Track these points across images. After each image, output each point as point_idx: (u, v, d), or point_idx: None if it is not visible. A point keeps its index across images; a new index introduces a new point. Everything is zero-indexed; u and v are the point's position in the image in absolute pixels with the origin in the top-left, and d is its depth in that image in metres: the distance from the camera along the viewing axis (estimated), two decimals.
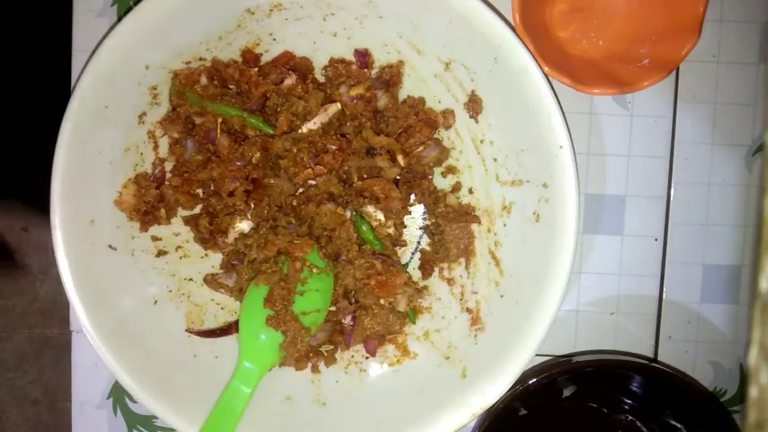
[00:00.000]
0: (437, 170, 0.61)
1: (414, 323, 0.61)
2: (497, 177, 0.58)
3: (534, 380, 0.56)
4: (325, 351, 0.61)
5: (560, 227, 0.54)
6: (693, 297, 0.62)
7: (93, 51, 0.54)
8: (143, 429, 0.64)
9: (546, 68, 0.54)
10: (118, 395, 0.63)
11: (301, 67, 0.59)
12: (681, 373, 0.60)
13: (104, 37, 0.54)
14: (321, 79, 0.60)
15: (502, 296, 0.58)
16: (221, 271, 0.61)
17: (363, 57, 0.59)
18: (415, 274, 0.61)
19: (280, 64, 0.58)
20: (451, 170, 0.61)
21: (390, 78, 0.59)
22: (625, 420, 0.62)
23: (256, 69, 0.58)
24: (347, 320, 0.60)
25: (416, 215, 0.61)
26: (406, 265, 0.61)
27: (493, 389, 0.55)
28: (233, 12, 0.56)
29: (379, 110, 0.59)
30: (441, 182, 0.61)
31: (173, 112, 0.58)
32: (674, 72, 0.60)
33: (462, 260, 0.60)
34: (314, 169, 0.56)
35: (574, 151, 0.53)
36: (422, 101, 0.60)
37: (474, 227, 0.60)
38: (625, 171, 0.61)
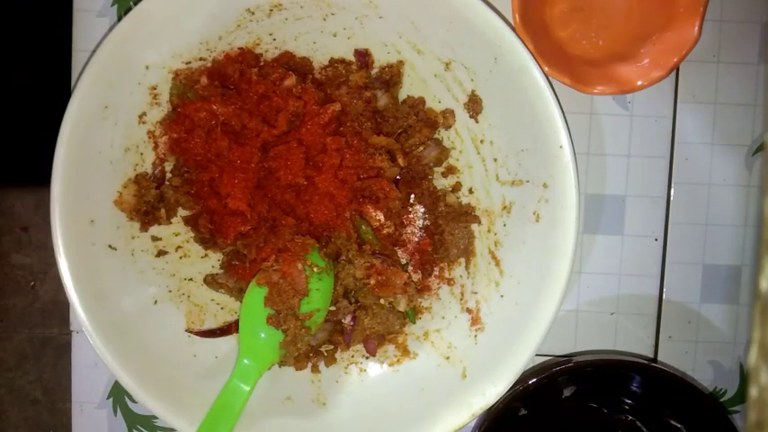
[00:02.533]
0: (437, 170, 0.61)
1: (414, 323, 0.61)
2: (497, 177, 0.58)
3: (534, 380, 0.56)
4: (325, 351, 0.61)
5: (560, 227, 0.54)
6: (693, 297, 0.62)
7: (93, 51, 0.54)
8: (143, 429, 0.64)
9: (546, 68, 0.54)
10: (118, 395, 0.63)
11: (301, 68, 0.59)
12: (681, 373, 0.60)
13: (104, 37, 0.54)
14: (321, 79, 0.60)
15: (502, 296, 0.58)
16: (221, 271, 0.61)
17: (363, 57, 0.59)
18: (415, 274, 0.61)
19: (280, 64, 0.58)
20: (451, 170, 0.61)
21: (390, 78, 0.59)
22: (625, 420, 0.61)
23: (256, 69, 0.58)
24: (347, 320, 0.60)
25: (416, 215, 0.61)
26: (406, 265, 0.61)
27: (493, 389, 0.55)
28: (233, 12, 0.56)
29: (379, 110, 0.59)
30: (441, 182, 0.61)
31: (173, 112, 0.58)
32: (674, 72, 0.60)
33: (462, 260, 0.60)
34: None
35: (574, 151, 0.53)
36: (422, 101, 0.60)
37: (474, 227, 0.60)
38: (625, 171, 0.61)
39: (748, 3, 0.59)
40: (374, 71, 0.60)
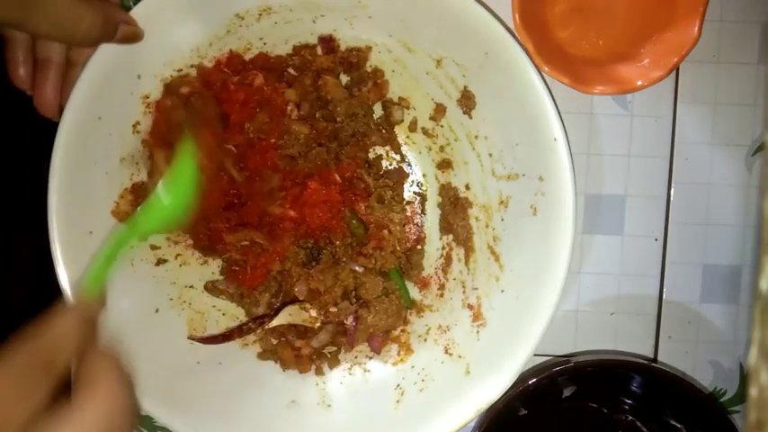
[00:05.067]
0: (433, 158, 0.61)
1: (409, 307, 0.61)
2: (493, 172, 0.58)
3: (534, 380, 0.57)
4: (329, 353, 0.62)
5: (558, 219, 0.54)
6: (693, 297, 0.62)
7: (85, 63, 0.54)
8: (143, 429, 0.64)
9: (546, 68, 0.54)
10: None
11: (275, 67, 0.58)
12: (681, 373, 0.60)
13: (95, 49, 0.54)
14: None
15: (502, 291, 0.58)
16: (221, 277, 0.61)
17: (328, 42, 0.58)
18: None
19: (256, 66, 0.58)
20: (448, 165, 0.60)
21: (357, 62, 0.59)
22: (625, 420, 0.62)
23: (237, 77, 0.57)
24: (349, 321, 0.60)
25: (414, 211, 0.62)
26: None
27: (497, 384, 0.55)
28: (222, 18, 0.55)
29: (329, 99, 0.59)
30: (438, 178, 0.61)
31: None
32: (674, 72, 0.59)
33: (462, 256, 0.60)
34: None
35: (568, 143, 0.53)
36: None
37: (472, 222, 0.60)
38: (625, 171, 0.61)
39: (748, 3, 0.58)
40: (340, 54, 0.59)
